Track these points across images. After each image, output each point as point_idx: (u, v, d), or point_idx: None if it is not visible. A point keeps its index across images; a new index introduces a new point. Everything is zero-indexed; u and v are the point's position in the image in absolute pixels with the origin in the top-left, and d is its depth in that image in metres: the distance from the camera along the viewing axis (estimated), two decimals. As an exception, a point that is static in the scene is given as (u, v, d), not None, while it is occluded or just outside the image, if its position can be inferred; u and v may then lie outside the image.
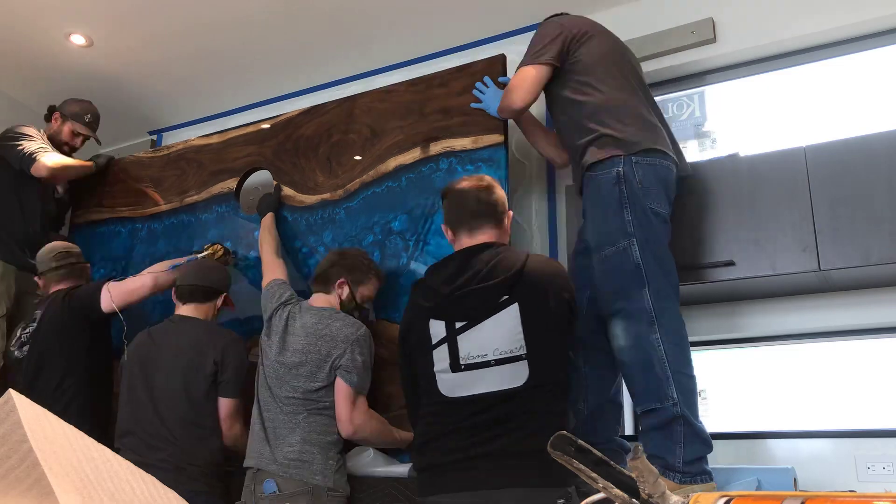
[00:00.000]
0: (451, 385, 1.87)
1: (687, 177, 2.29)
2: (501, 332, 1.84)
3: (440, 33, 3.13)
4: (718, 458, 2.33)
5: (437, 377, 1.89)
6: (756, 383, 2.51)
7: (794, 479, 2.06)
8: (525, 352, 1.82)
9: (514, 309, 1.85)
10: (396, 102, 2.80)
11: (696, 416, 1.90)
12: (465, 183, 2.11)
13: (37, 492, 0.78)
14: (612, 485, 0.87)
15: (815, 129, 2.60)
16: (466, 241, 2.03)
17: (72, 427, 0.94)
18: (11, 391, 0.88)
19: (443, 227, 2.14)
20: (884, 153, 2.12)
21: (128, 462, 0.99)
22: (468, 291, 1.91)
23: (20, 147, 3.12)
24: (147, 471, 0.93)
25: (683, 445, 1.87)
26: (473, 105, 2.59)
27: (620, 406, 2.28)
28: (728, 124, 2.81)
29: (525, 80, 2.29)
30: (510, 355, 1.82)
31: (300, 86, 3.57)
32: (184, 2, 3.00)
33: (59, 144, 3.32)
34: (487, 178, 2.13)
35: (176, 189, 3.28)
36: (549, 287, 1.88)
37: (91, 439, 0.96)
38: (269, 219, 2.79)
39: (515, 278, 1.87)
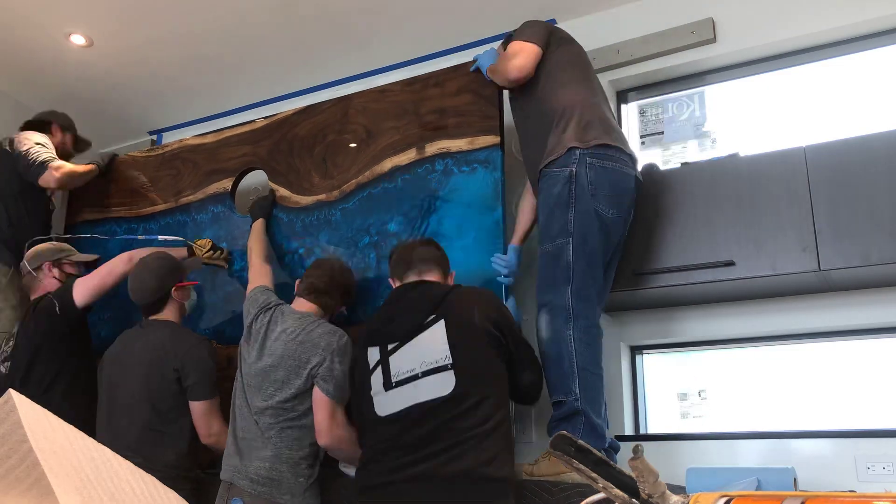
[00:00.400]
0: (384, 404, 1.96)
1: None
2: (429, 346, 1.94)
3: (438, 34, 3.13)
4: (719, 458, 2.33)
5: (374, 399, 1.99)
6: (756, 383, 2.51)
7: (794, 479, 2.06)
8: (451, 362, 1.90)
9: (440, 325, 1.96)
10: (391, 102, 2.79)
11: (598, 413, 2.02)
12: (409, 241, 2.34)
13: (37, 492, 0.78)
14: (612, 485, 0.87)
15: (815, 129, 2.60)
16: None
17: (72, 427, 0.94)
18: (11, 391, 0.88)
19: (390, 280, 2.28)
20: (884, 153, 2.12)
21: (128, 462, 0.99)
22: (398, 315, 2.05)
23: (29, 156, 3.09)
24: None
25: (580, 438, 1.90)
26: (472, 69, 2.61)
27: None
28: (728, 124, 2.81)
29: (525, 50, 2.34)
30: (436, 366, 1.90)
31: (300, 86, 3.57)
32: (184, 2, 3.00)
33: (64, 155, 3.33)
34: (429, 239, 2.33)
35: (171, 189, 3.27)
36: (475, 305, 2.01)
37: (91, 439, 0.96)
38: (259, 224, 2.78)
39: (441, 299, 2.01)
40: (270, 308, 2.36)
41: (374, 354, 2.05)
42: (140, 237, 2.99)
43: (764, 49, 2.73)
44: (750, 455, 2.31)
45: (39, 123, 3.32)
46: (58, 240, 3.11)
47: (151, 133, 4.06)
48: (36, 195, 3.21)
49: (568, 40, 2.46)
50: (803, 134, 2.57)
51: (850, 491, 1.92)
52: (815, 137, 2.36)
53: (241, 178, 3.12)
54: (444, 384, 1.89)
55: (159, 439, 2.38)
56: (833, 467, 2.17)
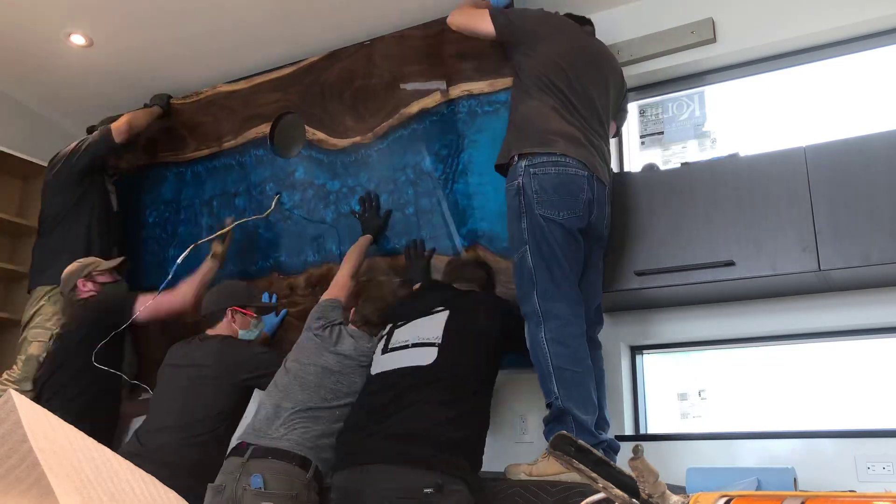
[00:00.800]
0: (379, 365, 2.21)
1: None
2: (427, 326, 2.18)
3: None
4: (719, 458, 2.33)
5: (373, 361, 2.25)
6: (756, 383, 2.51)
7: (794, 479, 2.06)
8: (439, 341, 2.12)
9: (444, 314, 2.20)
10: (412, 47, 2.93)
11: (583, 410, 2.06)
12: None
13: (37, 491, 0.78)
14: (612, 485, 0.87)
15: (815, 129, 2.60)
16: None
17: (72, 427, 0.94)
18: (11, 391, 0.88)
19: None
20: (884, 153, 2.12)
21: (128, 462, 0.99)
22: (415, 303, 2.32)
23: (79, 144, 3.24)
24: None
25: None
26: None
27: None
28: (728, 124, 2.81)
29: (476, 15, 2.50)
30: (425, 342, 2.14)
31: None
32: (184, 3, 3.00)
33: (114, 168, 3.45)
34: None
35: (213, 134, 3.42)
36: (483, 305, 2.25)
37: (91, 439, 0.96)
38: (364, 240, 2.78)
39: (455, 296, 2.27)
40: (335, 325, 2.41)
41: (387, 330, 2.31)
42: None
43: (764, 49, 2.73)
44: (750, 455, 2.31)
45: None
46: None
47: (151, 133, 4.05)
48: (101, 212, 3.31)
49: (549, 35, 2.43)
50: (803, 134, 2.57)
51: (850, 491, 1.92)
52: (815, 137, 2.36)
53: (278, 122, 3.26)
54: (426, 356, 2.09)
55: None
56: (833, 467, 2.17)
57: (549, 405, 2.10)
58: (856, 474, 2.14)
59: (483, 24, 2.46)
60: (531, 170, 2.20)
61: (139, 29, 3.18)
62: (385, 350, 2.23)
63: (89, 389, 2.70)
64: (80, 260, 3.01)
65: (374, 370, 2.21)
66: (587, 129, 2.30)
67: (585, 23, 2.61)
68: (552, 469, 2.06)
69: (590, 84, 2.36)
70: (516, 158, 2.24)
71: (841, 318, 2.35)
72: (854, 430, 2.23)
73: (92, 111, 3.39)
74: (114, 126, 3.24)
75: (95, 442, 0.97)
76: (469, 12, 2.53)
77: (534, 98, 2.32)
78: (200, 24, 3.15)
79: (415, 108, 2.87)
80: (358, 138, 3.00)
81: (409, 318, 2.26)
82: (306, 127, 3.15)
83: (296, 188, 3.11)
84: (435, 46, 2.86)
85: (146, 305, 2.80)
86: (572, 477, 1.98)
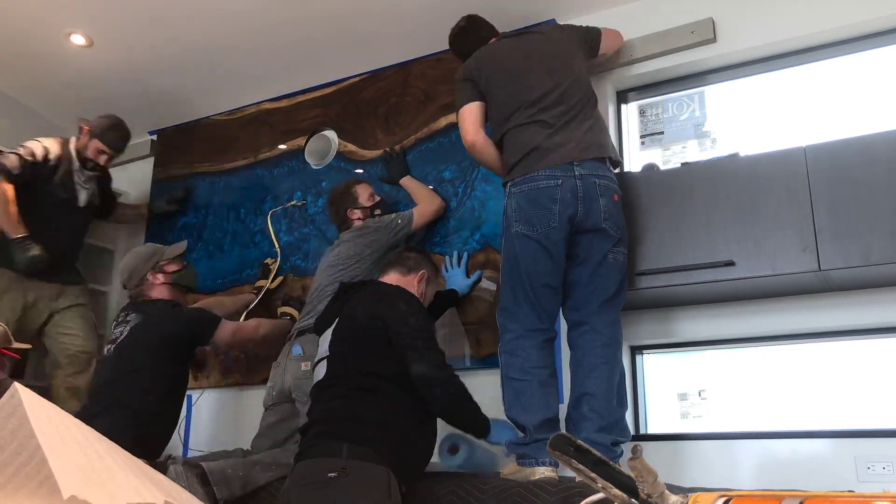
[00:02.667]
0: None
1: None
2: (324, 341, 2.30)
3: (439, 33, 3.13)
4: (719, 458, 2.33)
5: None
6: (756, 383, 2.51)
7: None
8: (327, 354, 2.23)
9: (334, 325, 2.29)
10: (447, 69, 3.12)
11: (527, 414, 2.16)
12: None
13: (46, 489, 0.78)
14: (610, 485, 0.87)
15: (815, 129, 2.60)
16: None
17: (73, 418, 0.94)
18: (16, 384, 0.88)
19: None
20: (884, 153, 2.12)
21: (135, 458, 0.99)
22: (328, 310, 2.42)
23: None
24: None
25: (511, 442, 2.22)
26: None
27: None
28: (728, 124, 2.81)
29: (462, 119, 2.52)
30: (323, 356, 2.26)
31: (301, 85, 3.58)
32: (184, 3, 3.00)
33: (84, 160, 3.34)
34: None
35: (250, 147, 3.66)
36: (363, 303, 2.27)
37: (94, 431, 0.97)
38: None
39: (347, 302, 2.32)
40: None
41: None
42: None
43: (764, 49, 2.73)
44: (750, 455, 2.31)
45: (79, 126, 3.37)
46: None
47: (151, 133, 4.06)
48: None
49: (489, 60, 2.50)
50: (803, 134, 2.57)
51: (850, 491, 1.92)
52: (815, 137, 2.35)
53: (313, 135, 3.50)
54: (322, 369, 2.23)
55: None
56: (833, 467, 2.17)
57: None
58: (856, 474, 2.14)
59: (467, 123, 2.48)
60: (512, 189, 2.29)
61: (139, 29, 3.18)
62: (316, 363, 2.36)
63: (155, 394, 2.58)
64: (139, 250, 2.96)
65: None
66: (557, 126, 2.30)
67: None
68: (512, 469, 2.19)
69: (541, 81, 2.38)
70: (506, 187, 2.34)
71: (841, 318, 2.35)
72: (854, 430, 2.23)
73: (92, 111, 3.39)
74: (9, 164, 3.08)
75: (98, 434, 0.97)
76: (462, 118, 2.52)
77: (502, 128, 2.40)
78: (200, 24, 3.15)
79: (443, 122, 3.12)
80: (386, 149, 3.21)
81: (321, 331, 2.38)
82: (338, 139, 3.40)
83: (322, 195, 3.30)
84: None
85: (228, 330, 2.75)
86: (519, 475, 2.12)
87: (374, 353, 2.17)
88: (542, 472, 2.11)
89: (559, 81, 2.39)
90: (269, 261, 3.35)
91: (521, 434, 2.20)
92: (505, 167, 2.38)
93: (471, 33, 2.69)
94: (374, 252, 2.76)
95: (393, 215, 2.85)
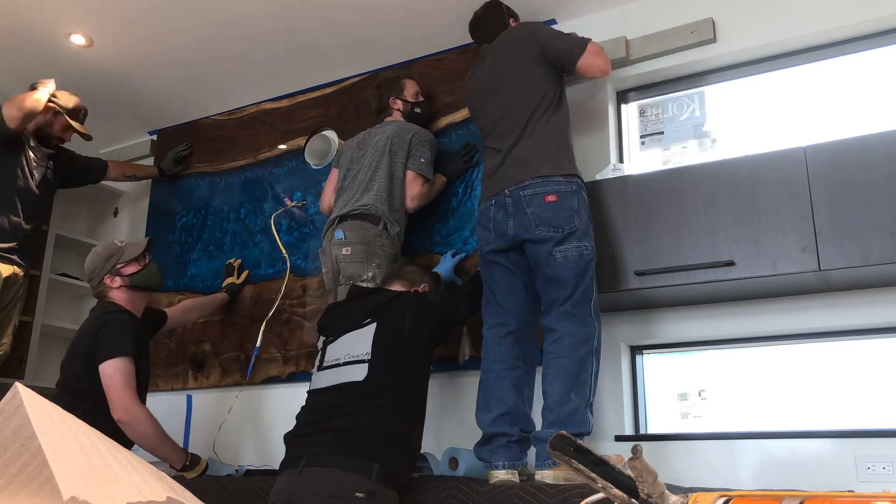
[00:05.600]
0: (315, 382, 2.32)
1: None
2: (356, 342, 2.28)
3: (439, 34, 3.13)
4: (719, 458, 2.33)
5: (312, 377, 2.37)
6: (756, 383, 2.51)
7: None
8: (369, 357, 2.21)
9: (372, 327, 2.29)
10: (447, 69, 3.19)
11: (479, 409, 2.26)
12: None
13: (48, 490, 0.78)
14: (611, 485, 0.87)
15: (815, 129, 2.60)
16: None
17: (74, 418, 0.94)
18: (18, 384, 0.88)
19: None
20: (884, 153, 2.12)
21: (138, 457, 0.99)
22: (343, 315, 2.41)
23: None
24: None
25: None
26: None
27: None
28: (728, 124, 2.81)
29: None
30: (356, 359, 2.23)
31: (301, 85, 3.58)
32: (184, 2, 3.00)
33: (46, 137, 3.23)
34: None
35: (250, 147, 3.67)
36: (408, 308, 2.33)
37: (96, 431, 0.97)
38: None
39: (380, 307, 2.34)
40: None
41: (321, 343, 2.43)
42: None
43: (764, 49, 2.73)
44: (750, 455, 2.31)
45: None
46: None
47: (151, 133, 4.06)
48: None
49: (469, 86, 2.70)
50: (803, 134, 2.57)
51: (850, 491, 1.92)
52: (815, 137, 2.35)
53: (314, 135, 3.51)
54: (358, 372, 2.19)
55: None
56: (833, 467, 2.17)
57: None
58: (856, 474, 2.14)
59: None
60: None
61: (139, 29, 3.18)
62: (320, 367, 2.34)
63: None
64: (97, 250, 2.76)
65: (312, 386, 2.33)
66: (504, 151, 2.42)
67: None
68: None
69: (493, 109, 2.53)
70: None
71: (841, 318, 2.35)
72: (854, 430, 2.23)
73: (92, 111, 3.39)
74: (6, 114, 3.03)
75: (99, 433, 0.97)
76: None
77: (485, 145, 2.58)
78: (200, 24, 3.15)
79: (443, 122, 3.12)
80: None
81: (338, 333, 2.36)
82: (338, 139, 3.41)
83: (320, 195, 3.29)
84: (468, 68, 2.95)
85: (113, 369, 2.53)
86: (499, 478, 2.10)
87: (418, 361, 2.28)
88: (497, 475, 2.10)
89: (509, 104, 2.49)
90: (232, 261, 3.49)
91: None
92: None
93: (490, 19, 2.75)
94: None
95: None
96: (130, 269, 2.74)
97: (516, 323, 2.33)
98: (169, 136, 3.97)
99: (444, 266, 2.84)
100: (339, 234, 2.71)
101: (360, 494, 1.92)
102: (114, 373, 2.49)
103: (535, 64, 2.49)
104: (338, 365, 2.27)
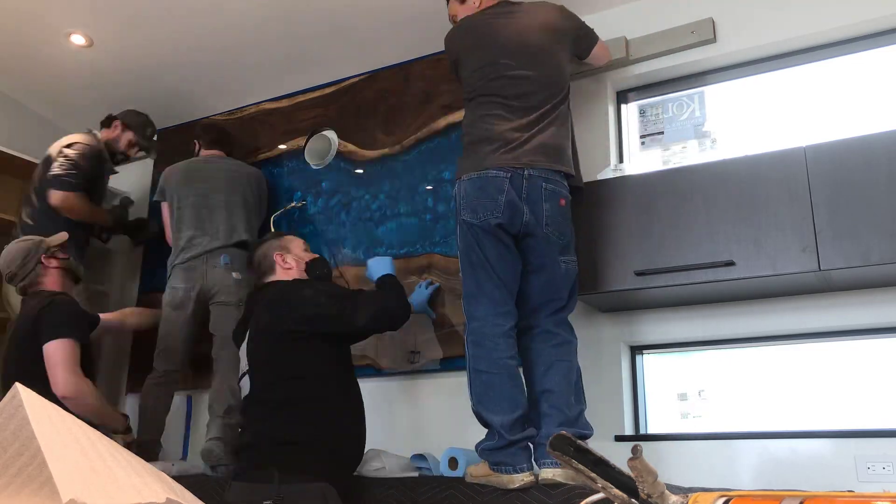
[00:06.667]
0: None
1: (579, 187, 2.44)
2: (244, 355, 2.34)
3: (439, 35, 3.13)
4: (719, 457, 2.33)
5: None
6: (756, 383, 2.51)
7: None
8: (247, 368, 2.29)
9: (247, 337, 2.34)
10: (447, 69, 3.06)
11: (496, 411, 2.10)
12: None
13: (48, 490, 0.78)
14: (611, 485, 0.87)
15: (815, 129, 2.60)
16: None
17: (76, 419, 0.94)
18: (18, 385, 0.88)
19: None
20: (884, 153, 2.12)
21: (137, 457, 0.99)
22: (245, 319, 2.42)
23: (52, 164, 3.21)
24: None
25: (485, 436, 2.15)
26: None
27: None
28: (728, 124, 2.81)
29: None
30: (244, 371, 2.32)
31: (301, 85, 3.58)
32: (184, 3, 3.00)
33: (113, 152, 3.41)
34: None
35: (249, 147, 3.66)
36: (267, 303, 2.33)
37: (97, 432, 0.97)
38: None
39: (249, 315, 2.38)
40: None
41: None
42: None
43: (764, 49, 2.73)
44: (750, 455, 2.31)
45: (107, 119, 3.45)
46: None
47: (151, 133, 4.06)
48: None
49: (468, 47, 2.47)
50: (803, 134, 2.57)
51: (850, 491, 1.92)
52: (815, 137, 2.35)
53: (313, 135, 3.50)
54: (247, 385, 2.28)
55: None
56: (833, 467, 2.17)
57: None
58: (856, 474, 2.14)
59: None
60: (463, 177, 2.28)
61: (139, 29, 3.18)
62: (242, 376, 2.37)
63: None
64: (20, 241, 2.81)
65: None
66: (521, 124, 2.28)
67: None
68: (483, 471, 2.12)
69: (518, 72, 2.34)
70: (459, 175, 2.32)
71: (841, 318, 2.35)
72: (854, 430, 2.23)
73: (92, 111, 3.39)
74: (53, 196, 3.17)
75: (99, 433, 0.97)
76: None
77: (466, 113, 2.42)
78: (200, 24, 3.15)
79: (442, 122, 3.12)
80: (386, 150, 3.24)
81: (239, 343, 2.42)
82: (338, 140, 3.40)
83: (321, 195, 3.35)
84: None
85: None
86: (496, 481, 2.07)
87: (289, 356, 2.22)
88: (521, 479, 2.05)
89: (538, 79, 2.36)
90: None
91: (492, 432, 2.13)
92: (463, 151, 2.39)
93: None
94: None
95: None
96: (63, 254, 2.84)
97: (516, 312, 2.25)
98: (169, 136, 3.97)
99: (418, 297, 2.78)
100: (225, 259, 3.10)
101: (267, 502, 1.98)
102: (55, 351, 2.52)
103: (565, 50, 2.46)
104: (242, 376, 2.35)
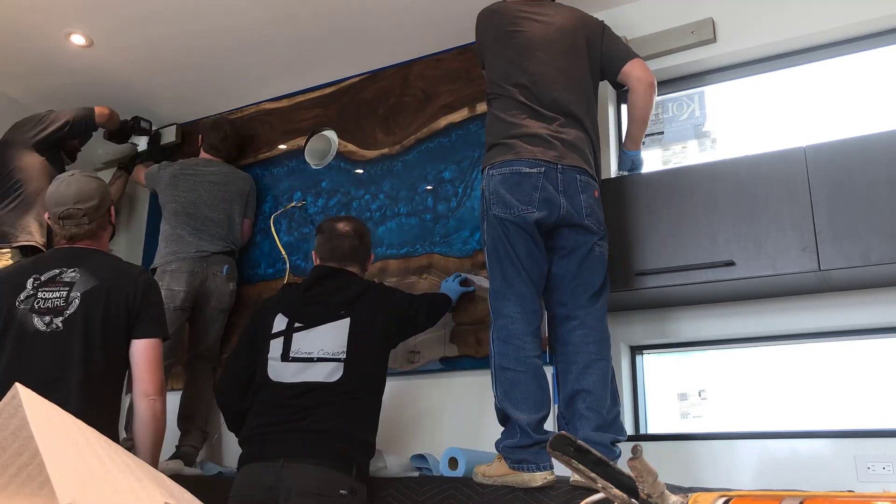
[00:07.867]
0: (278, 371, 2.24)
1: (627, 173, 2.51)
2: (330, 338, 2.24)
3: (438, 35, 3.13)
4: (719, 458, 2.33)
5: (269, 363, 2.26)
6: (756, 383, 2.51)
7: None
8: (345, 357, 2.21)
9: (345, 322, 2.26)
10: (446, 69, 3.20)
11: (523, 410, 2.06)
12: (340, 225, 2.50)
13: (48, 490, 0.78)
14: (611, 485, 0.87)
15: (815, 129, 2.60)
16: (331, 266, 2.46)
17: (76, 420, 0.94)
18: (18, 385, 0.88)
19: (313, 253, 2.55)
20: (884, 153, 2.12)
21: (137, 459, 0.99)
22: (315, 301, 2.33)
23: (55, 116, 3.31)
24: None
25: (505, 433, 2.12)
26: None
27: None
28: (728, 124, 2.81)
29: None
30: (331, 357, 2.21)
31: (302, 85, 3.58)
32: (184, 3, 3.00)
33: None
34: (359, 225, 2.54)
35: (251, 147, 3.67)
36: (380, 306, 2.32)
37: (97, 433, 0.97)
38: None
39: (353, 300, 2.31)
40: None
41: (280, 323, 2.32)
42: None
43: (764, 49, 2.73)
44: (750, 455, 2.31)
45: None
46: None
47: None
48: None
49: (494, 39, 2.43)
50: (803, 134, 2.57)
51: (850, 491, 1.92)
52: (815, 137, 2.35)
53: (313, 135, 3.51)
54: (334, 372, 2.19)
55: None
56: (833, 467, 2.17)
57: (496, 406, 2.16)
58: (856, 474, 2.14)
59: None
60: (491, 172, 2.25)
61: (139, 29, 3.18)
62: (285, 357, 2.24)
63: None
64: (88, 177, 2.24)
65: (276, 377, 2.22)
66: (549, 123, 2.26)
67: None
68: (500, 471, 2.09)
69: (547, 72, 2.32)
70: (486, 169, 2.28)
71: (841, 318, 2.35)
72: (854, 430, 2.23)
73: (92, 111, 3.39)
74: (97, 110, 3.38)
75: (99, 434, 0.97)
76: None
77: (494, 108, 2.37)
78: (200, 24, 3.15)
79: (443, 122, 3.13)
80: (386, 150, 3.24)
81: (309, 323, 2.28)
82: (338, 140, 3.40)
83: (321, 195, 3.35)
84: (468, 69, 3.09)
85: None
86: (516, 480, 2.04)
87: (383, 362, 2.33)
88: (544, 477, 2.02)
89: (570, 79, 2.37)
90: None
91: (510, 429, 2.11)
92: (489, 143, 2.34)
93: None
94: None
95: None
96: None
97: (543, 312, 2.23)
98: (169, 136, 3.96)
99: (451, 288, 2.75)
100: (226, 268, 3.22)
101: (343, 491, 2.03)
102: (153, 350, 2.15)
103: (591, 62, 2.43)
104: (310, 360, 2.22)
